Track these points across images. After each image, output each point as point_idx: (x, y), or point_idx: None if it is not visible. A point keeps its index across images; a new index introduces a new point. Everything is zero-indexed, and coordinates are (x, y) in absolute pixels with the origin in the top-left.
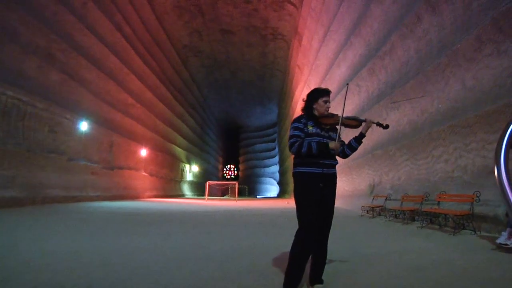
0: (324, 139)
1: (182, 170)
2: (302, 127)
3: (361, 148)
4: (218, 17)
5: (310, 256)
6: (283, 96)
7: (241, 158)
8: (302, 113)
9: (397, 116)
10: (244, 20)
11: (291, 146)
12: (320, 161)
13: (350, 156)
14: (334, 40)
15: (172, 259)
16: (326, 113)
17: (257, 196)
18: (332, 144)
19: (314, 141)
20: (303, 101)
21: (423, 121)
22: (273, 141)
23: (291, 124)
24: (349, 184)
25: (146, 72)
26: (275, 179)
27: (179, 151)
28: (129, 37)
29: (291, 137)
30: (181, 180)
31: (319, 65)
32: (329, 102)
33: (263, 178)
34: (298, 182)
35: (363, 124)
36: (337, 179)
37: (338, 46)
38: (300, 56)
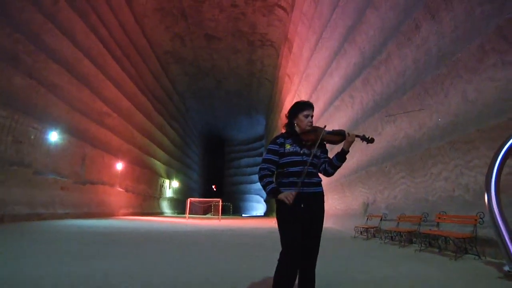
0: (304, 158)
1: (162, 186)
2: (277, 148)
3: (354, 164)
4: (203, 22)
5: (297, 282)
6: (271, 107)
7: (225, 173)
8: (284, 131)
9: (393, 130)
10: (231, 25)
11: (259, 172)
12: (299, 180)
13: (342, 173)
14: (326, 48)
15: (148, 286)
16: (308, 128)
17: (243, 215)
18: (282, 195)
19: (271, 184)
20: (286, 117)
21: (421, 136)
22: (260, 155)
23: (269, 144)
24: (341, 202)
25: (123, 79)
26: (262, 196)
27: (159, 165)
28: (105, 40)
29: (262, 161)
30: (160, 197)
31: (310, 74)
32: (311, 116)
33: (249, 195)
34: (278, 203)
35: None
36: (328, 196)
37: (331, 54)
38: (290, 64)
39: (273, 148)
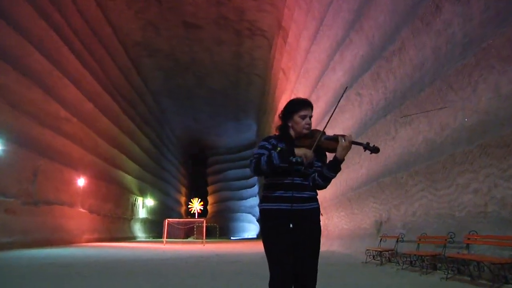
0: (295, 167)
1: (133, 205)
2: (270, 147)
3: (363, 175)
4: (180, 6)
5: None
6: (263, 108)
7: (210, 189)
8: (275, 134)
9: (409, 133)
10: (214, 10)
11: (250, 165)
12: (287, 194)
13: (350, 185)
14: (328, 37)
15: None
16: (304, 132)
17: (232, 238)
18: (300, 151)
19: (271, 155)
20: (279, 117)
21: (443, 140)
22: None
23: (259, 143)
24: (349, 221)
25: (84, 76)
26: (254, 215)
27: (129, 180)
28: (60, 28)
29: (253, 156)
30: (132, 218)
31: (309, 69)
32: (309, 117)
33: (238, 214)
34: (263, 223)
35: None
36: (333, 214)
37: (334, 45)
38: (285, 58)
39: (266, 145)
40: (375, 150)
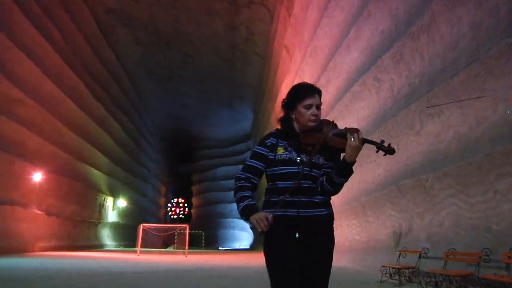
0: (299, 168)
1: (102, 206)
2: (265, 153)
3: (380, 176)
4: None
5: None
6: (262, 93)
7: (195, 189)
8: (278, 127)
9: (437, 127)
10: None
11: (235, 179)
12: (293, 199)
13: (363, 188)
14: (342, 9)
15: None
16: (311, 125)
17: (220, 248)
18: (253, 217)
19: (246, 199)
20: (281, 107)
21: (479, 136)
22: (244, 161)
23: (254, 146)
24: (362, 230)
25: (44, 48)
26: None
27: (98, 176)
28: None
29: (242, 169)
30: (99, 222)
31: (318, 47)
32: (317, 107)
33: (229, 220)
34: (266, 234)
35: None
36: (343, 222)
37: (348, 19)
38: (289, 33)
39: (260, 151)
40: (389, 151)
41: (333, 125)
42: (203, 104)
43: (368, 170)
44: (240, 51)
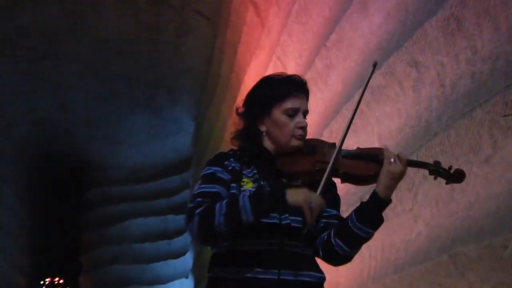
0: (282, 219)
1: None
2: (227, 180)
3: (421, 236)
4: None
5: None
6: (210, 86)
7: (86, 259)
8: (235, 148)
9: None
10: None
11: (189, 220)
12: (269, 276)
13: (389, 259)
14: None
15: None
16: (295, 144)
17: None
18: (298, 195)
19: (236, 197)
20: (237, 113)
21: None
22: (178, 207)
23: (202, 170)
24: None
25: None
26: None
27: None
28: None
29: (193, 198)
30: None
31: (311, 5)
32: (304, 114)
33: None
34: None
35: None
36: None
37: None
38: None
39: (218, 174)
40: (455, 177)
41: (339, 146)
42: (101, 103)
43: (398, 226)
44: (170, 9)
